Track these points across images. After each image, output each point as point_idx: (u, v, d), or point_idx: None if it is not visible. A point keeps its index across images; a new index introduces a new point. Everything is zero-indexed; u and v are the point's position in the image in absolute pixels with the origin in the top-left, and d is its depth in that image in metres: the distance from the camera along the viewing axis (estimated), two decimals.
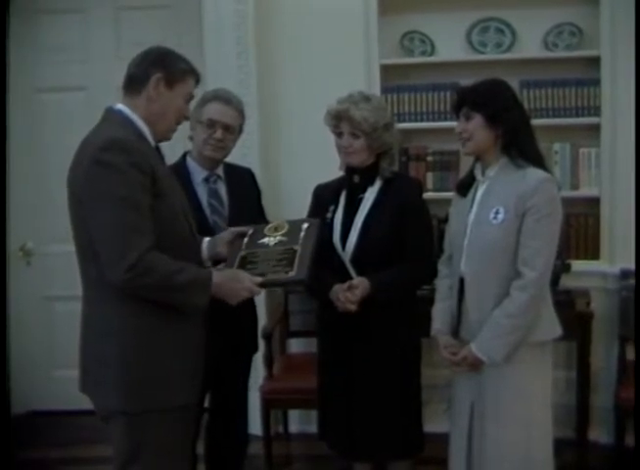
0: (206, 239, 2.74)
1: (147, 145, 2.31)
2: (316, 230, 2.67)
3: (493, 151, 2.65)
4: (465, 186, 2.78)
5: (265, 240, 2.65)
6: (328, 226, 2.92)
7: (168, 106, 2.35)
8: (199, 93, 3.13)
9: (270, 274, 2.48)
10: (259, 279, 2.42)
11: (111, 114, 2.34)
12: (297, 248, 2.57)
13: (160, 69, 2.31)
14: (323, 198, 3.03)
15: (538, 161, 2.63)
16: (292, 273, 2.48)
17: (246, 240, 2.68)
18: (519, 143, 2.61)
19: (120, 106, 2.34)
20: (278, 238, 2.65)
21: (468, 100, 2.66)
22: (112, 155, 2.15)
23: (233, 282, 2.36)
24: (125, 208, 2.14)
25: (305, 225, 2.68)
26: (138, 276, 2.13)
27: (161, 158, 2.40)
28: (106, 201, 2.14)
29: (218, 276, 2.34)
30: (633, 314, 3.72)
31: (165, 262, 2.20)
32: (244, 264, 2.55)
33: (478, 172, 2.72)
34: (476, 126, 2.62)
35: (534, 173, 2.56)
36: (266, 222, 2.88)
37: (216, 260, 2.72)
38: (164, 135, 2.40)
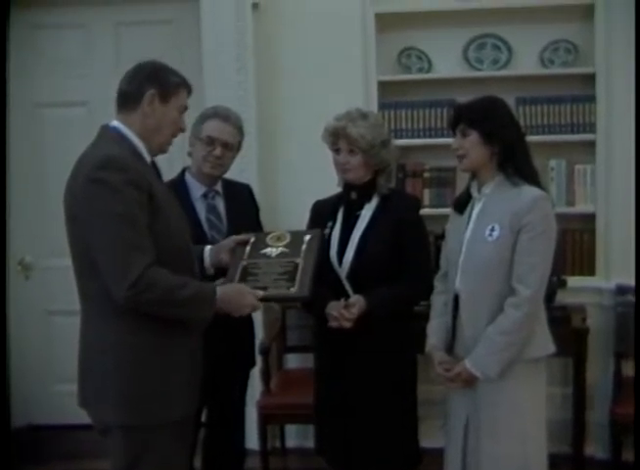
0: (208, 247, 2.78)
1: (143, 162, 2.33)
2: (318, 242, 2.68)
3: (489, 168, 2.67)
4: (462, 203, 2.79)
5: (267, 250, 2.67)
6: (325, 242, 2.93)
7: (164, 120, 2.36)
8: (197, 108, 3.17)
9: (272, 288, 2.51)
10: (261, 293, 2.45)
11: (106, 131, 2.35)
12: (300, 261, 2.59)
13: (154, 84, 2.33)
14: (321, 214, 3.04)
15: (533, 178, 2.65)
16: (293, 289, 2.51)
17: (248, 249, 2.69)
18: (514, 161, 2.63)
19: (116, 123, 2.35)
20: (280, 249, 2.67)
21: (464, 117, 2.68)
22: (107, 173, 2.17)
23: (236, 296, 2.40)
24: (123, 225, 2.15)
25: (308, 237, 2.70)
26: (140, 293, 2.14)
27: (158, 174, 2.41)
28: (103, 219, 2.16)
29: (222, 290, 2.36)
30: (629, 330, 3.74)
31: (167, 278, 2.21)
32: (245, 276, 2.57)
33: (474, 190, 2.74)
34: (472, 143, 2.64)
35: (530, 191, 2.58)
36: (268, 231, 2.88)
37: (219, 268, 2.75)
38: (161, 148, 2.42)
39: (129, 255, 2.15)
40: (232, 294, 2.40)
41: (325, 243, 2.82)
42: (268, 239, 2.73)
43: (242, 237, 2.77)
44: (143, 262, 2.16)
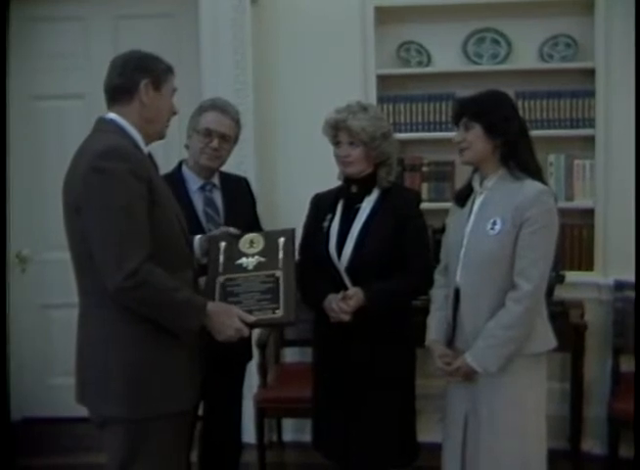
0: (197, 237, 2.74)
1: (141, 153, 2.33)
2: (293, 244, 2.63)
3: (491, 161, 2.66)
4: (463, 196, 2.79)
5: (243, 261, 2.61)
6: (324, 235, 2.93)
7: (161, 107, 2.38)
8: (195, 101, 3.17)
9: (257, 312, 2.44)
10: (249, 319, 2.39)
11: (103, 123, 2.35)
12: (280, 274, 2.54)
13: (146, 73, 2.34)
14: (320, 207, 3.04)
15: (536, 173, 2.64)
16: (279, 312, 2.45)
17: (221, 259, 2.62)
18: (517, 155, 2.62)
19: (112, 115, 2.35)
20: (256, 258, 2.60)
21: (468, 110, 2.67)
22: (110, 162, 2.16)
23: (224, 316, 2.35)
24: (124, 216, 2.15)
25: (282, 240, 2.63)
26: (137, 286, 2.13)
27: (155, 166, 2.41)
28: (104, 208, 2.15)
29: (211, 306, 2.34)
30: (627, 326, 3.75)
31: (164, 277, 2.20)
32: (225, 296, 2.50)
33: (475, 183, 2.73)
34: (475, 136, 2.64)
35: (532, 185, 2.58)
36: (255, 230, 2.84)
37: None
38: (160, 134, 2.44)
39: (129, 245, 2.14)
40: (220, 311, 2.36)
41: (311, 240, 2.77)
42: (241, 244, 2.65)
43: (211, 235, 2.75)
44: (142, 254, 2.15)
